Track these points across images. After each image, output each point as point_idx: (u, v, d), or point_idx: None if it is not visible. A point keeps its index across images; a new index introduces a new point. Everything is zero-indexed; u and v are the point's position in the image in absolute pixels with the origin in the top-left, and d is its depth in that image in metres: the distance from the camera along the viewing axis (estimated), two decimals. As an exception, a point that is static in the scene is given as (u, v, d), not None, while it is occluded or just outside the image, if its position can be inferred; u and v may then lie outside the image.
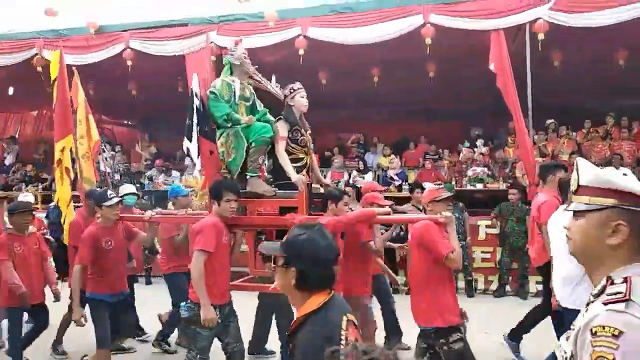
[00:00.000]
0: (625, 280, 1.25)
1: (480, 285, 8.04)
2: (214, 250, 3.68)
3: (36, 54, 9.74)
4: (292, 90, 4.30)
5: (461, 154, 10.35)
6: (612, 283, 1.28)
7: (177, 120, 11.11)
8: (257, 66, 4.51)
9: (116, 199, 4.40)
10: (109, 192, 4.50)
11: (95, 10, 9.83)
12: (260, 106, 4.51)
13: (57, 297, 4.87)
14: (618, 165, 8.78)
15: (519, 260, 7.59)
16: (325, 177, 10.91)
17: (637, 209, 1.29)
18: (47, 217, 9.52)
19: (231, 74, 4.39)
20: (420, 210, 7.48)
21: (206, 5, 9.55)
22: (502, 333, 5.10)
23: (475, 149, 10.42)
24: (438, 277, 3.57)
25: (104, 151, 12.37)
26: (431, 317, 3.50)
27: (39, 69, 9.73)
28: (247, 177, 4.14)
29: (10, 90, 11.98)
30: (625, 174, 1.35)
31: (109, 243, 4.31)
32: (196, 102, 4.16)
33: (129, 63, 9.32)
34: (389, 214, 4.18)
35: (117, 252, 4.41)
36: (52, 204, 9.46)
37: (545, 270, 4.50)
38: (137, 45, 9.34)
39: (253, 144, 4.09)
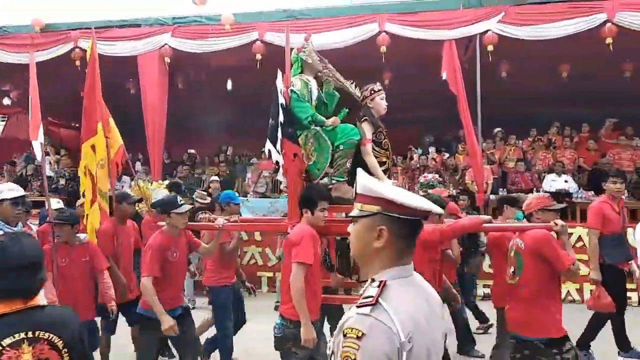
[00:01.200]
0: (380, 284, 1.37)
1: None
2: (312, 262, 3.36)
3: (-24, 51, 9.25)
4: (372, 92, 4.09)
5: (413, 160, 10.58)
6: (372, 286, 1.40)
7: (127, 122, 10.87)
8: (332, 63, 4.28)
9: (187, 206, 4.03)
10: (179, 198, 4.10)
11: (41, 7, 9.43)
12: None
13: (112, 314, 4.29)
14: (560, 173, 9.21)
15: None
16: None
17: (396, 215, 1.41)
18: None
19: (301, 72, 4.10)
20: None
21: (160, 6, 9.36)
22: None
23: (428, 156, 10.67)
24: (553, 286, 3.49)
25: (48, 154, 11.85)
26: (545, 328, 3.36)
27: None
28: (333, 182, 3.87)
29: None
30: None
31: (175, 254, 3.92)
32: (281, 100, 3.78)
33: (77, 63, 8.99)
34: (491, 221, 3.80)
35: (181, 264, 4.04)
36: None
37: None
38: (86, 45, 9.02)
39: (341, 147, 3.85)
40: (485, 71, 8.16)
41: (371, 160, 3.85)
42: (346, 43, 8.20)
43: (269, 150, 3.85)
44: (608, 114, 10.36)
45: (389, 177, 3.97)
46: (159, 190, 6.11)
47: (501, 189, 9.02)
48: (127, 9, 9.48)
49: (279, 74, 3.85)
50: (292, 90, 3.88)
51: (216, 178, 9.33)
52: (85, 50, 9.00)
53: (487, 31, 7.87)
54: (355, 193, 1.50)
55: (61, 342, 1.82)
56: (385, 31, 8.05)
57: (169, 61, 8.88)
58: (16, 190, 3.83)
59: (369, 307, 1.32)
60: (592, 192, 8.45)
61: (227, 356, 4.75)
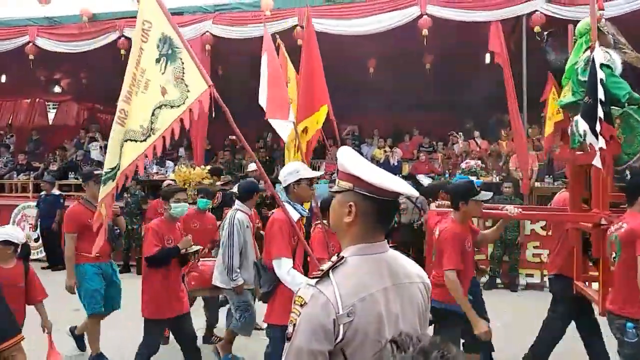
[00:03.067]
0: (340, 258, 1.45)
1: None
2: None
3: (29, 42, 9.63)
4: None
5: (456, 145, 10.37)
6: (331, 260, 1.48)
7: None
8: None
9: (488, 194, 3.62)
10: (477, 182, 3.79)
11: (89, -3, 9.71)
12: None
13: None
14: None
15: (510, 254, 7.62)
16: (318, 169, 10.93)
17: (365, 193, 1.46)
18: (37, 206, 9.47)
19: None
20: (414, 203, 7.54)
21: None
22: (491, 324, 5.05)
23: (470, 141, 10.43)
24: None
25: (95, 140, 12.28)
26: None
27: (31, 56, 9.64)
28: None
29: (2, 78, 11.86)
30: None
31: (469, 244, 3.61)
32: (600, 74, 3.27)
33: (123, 52, 9.23)
34: None
35: (472, 254, 3.80)
36: (43, 193, 9.42)
37: None
38: (131, 34, 9.25)
39: None
40: (532, 54, 7.88)
41: None
42: (387, 27, 8.07)
43: (584, 132, 3.38)
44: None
45: None
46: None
47: (547, 176, 8.73)
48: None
49: (597, 45, 3.41)
50: (605, 64, 3.39)
51: (254, 167, 9.41)
52: (130, 39, 9.24)
53: (534, 12, 7.58)
54: (337, 169, 1.58)
55: None
56: (427, 14, 7.87)
57: (209, 48, 9.00)
58: (310, 171, 3.58)
59: (317, 278, 1.41)
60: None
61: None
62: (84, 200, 4.70)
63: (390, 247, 1.57)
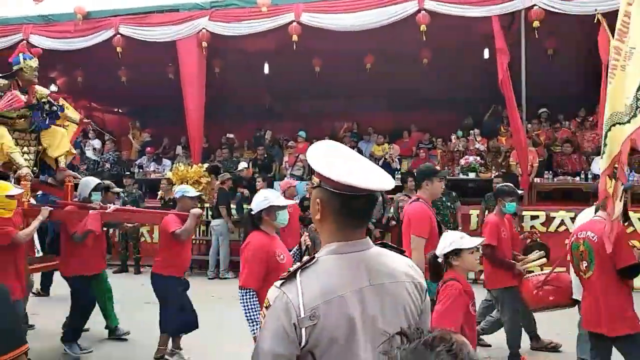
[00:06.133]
0: (311, 258, 1.39)
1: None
2: None
3: (22, 40, 9.53)
4: None
5: (452, 143, 10.33)
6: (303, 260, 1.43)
7: (168, 107, 11.07)
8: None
9: None
10: None
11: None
12: None
13: None
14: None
15: (508, 250, 7.53)
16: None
17: (330, 189, 1.37)
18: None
19: None
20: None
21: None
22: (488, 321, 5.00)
23: (469, 138, 10.37)
24: None
25: (92, 139, 12.21)
26: None
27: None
28: None
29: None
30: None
31: None
32: None
33: (119, 49, 9.15)
34: None
35: None
36: (40, 192, 9.34)
37: None
38: (126, 32, 9.17)
39: None
40: (530, 48, 7.82)
41: None
42: (384, 22, 8.00)
43: None
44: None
45: None
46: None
47: (547, 172, 8.69)
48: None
49: None
50: None
51: (245, 165, 9.36)
52: (127, 37, 9.15)
53: (532, 6, 7.51)
54: None
55: None
56: (424, 9, 7.80)
57: (206, 45, 8.92)
58: None
59: (283, 280, 1.36)
60: (646, 174, 8.03)
61: None
62: (423, 200, 3.97)
63: (376, 244, 1.47)
